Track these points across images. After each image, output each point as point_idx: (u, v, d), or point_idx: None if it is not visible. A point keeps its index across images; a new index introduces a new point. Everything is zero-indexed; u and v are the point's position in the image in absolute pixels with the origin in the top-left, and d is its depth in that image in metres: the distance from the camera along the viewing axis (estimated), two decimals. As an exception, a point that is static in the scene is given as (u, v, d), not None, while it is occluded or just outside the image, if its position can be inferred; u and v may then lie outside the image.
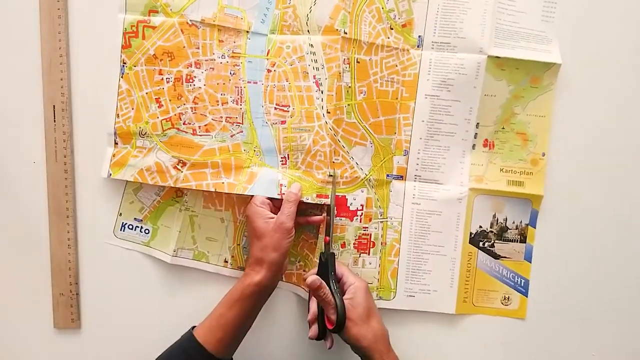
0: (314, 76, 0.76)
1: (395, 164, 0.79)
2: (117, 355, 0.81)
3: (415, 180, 0.79)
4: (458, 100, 0.78)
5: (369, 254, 0.80)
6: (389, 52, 0.77)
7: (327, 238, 0.75)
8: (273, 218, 0.73)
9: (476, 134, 0.79)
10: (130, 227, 0.80)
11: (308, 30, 0.76)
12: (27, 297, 0.80)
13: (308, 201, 0.75)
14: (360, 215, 0.79)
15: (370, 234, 0.80)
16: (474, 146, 0.79)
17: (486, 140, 0.79)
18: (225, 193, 0.78)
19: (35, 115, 0.78)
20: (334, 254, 0.75)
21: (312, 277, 0.71)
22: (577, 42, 0.78)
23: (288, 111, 0.77)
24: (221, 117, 0.77)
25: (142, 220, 0.80)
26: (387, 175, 0.79)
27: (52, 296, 0.80)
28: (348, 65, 0.77)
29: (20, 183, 0.79)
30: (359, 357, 0.71)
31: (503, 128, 0.79)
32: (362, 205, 0.79)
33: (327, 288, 0.71)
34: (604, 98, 0.79)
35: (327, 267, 0.74)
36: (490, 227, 0.80)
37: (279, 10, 0.76)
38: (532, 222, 0.80)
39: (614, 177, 0.80)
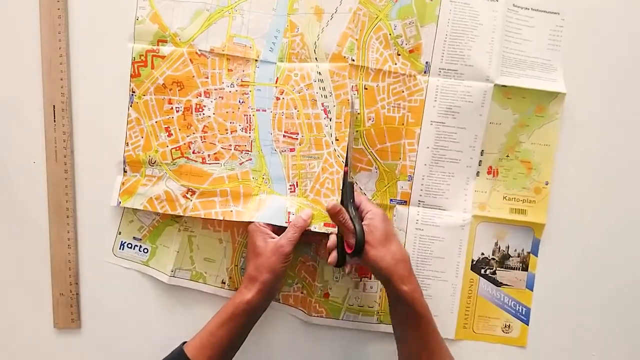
0: (322, 104, 0.76)
1: (399, 189, 0.79)
2: (117, 355, 0.81)
3: (418, 206, 0.79)
4: (463, 127, 0.78)
5: (370, 278, 0.80)
6: (395, 78, 0.77)
7: (346, 168, 0.76)
8: (274, 239, 0.73)
9: (480, 161, 0.79)
10: (130, 246, 0.80)
11: (316, 58, 0.76)
12: (27, 297, 0.80)
13: (315, 230, 0.75)
14: (363, 240, 0.79)
15: (373, 258, 0.80)
16: (478, 173, 0.79)
17: (490, 167, 0.79)
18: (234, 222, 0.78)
19: (35, 115, 0.78)
20: (352, 183, 0.75)
21: (332, 202, 0.72)
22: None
23: (297, 139, 0.77)
24: (230, 146, 0.78)
25: (141, 240, 0.80)
26: (391, 200, 0.79)
27: (52, 296, 0.80)
28: (356, 92, 0.77)
29: (20, 183, 0.79)
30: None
31: (507, 156, 0.79)
32: (364, 229, 0.79)
33: (347, 214, 0.71)
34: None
35: (346, 196, 0.74)
36: (492, 255, 0.80)
37: (287, 38, 0.76)
38: (534, 251, 0.80)
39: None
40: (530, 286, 0.80)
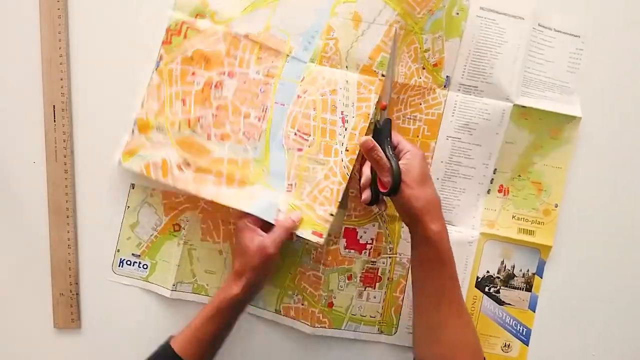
0: (342, 112, 0.75)
1: (410, 201, 0.79)
2: (117, 355, 0.81)
3: (427, 219, 0.79)
4: (479, 144, 0.78)
5: (374, 288, 0.79)
6: (416, 91, 0.76)
7: (384, 103, 0.73)
8: (262, 236, 0.71)
9: (492, 179, 0.79)
10: (129, 262, 0.79)
11: (347, 66, 0.75)
12: (27, 297, 0.79)
13: (301, 235, 0.73)
14: (370, 249, 0.79)
15: (378, 268, 0.79)
16: (489, 191, 0.79)
17: (501, 186, 0.79)
18: (222, 207, 0.75)
19: (35, 115, 0.77)
20: (390, 120, 0.73)
21: (365, 137, 0.71)
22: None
23: (307, 140, 0.76)
24: (239, 130, 0.76)
25: (140, 256, 0.79)
26: (401, 211, 0.79)
27: (52, 296, 0.79)
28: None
29: (20, 183, 0.78)
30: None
31: (519, 176, 0.79)
32: (372, 239, 0.79)
33: (381, 150, 0.70)
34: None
35: (382, 133, 0.72)
36: (497, 273, 0.80)
37: (321, 40, 0.75)
38: (539, 272, 0.80)
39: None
40: (532, 307, 0.81)
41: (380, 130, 0.72)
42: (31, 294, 0.79)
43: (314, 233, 0.73)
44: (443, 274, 0.68)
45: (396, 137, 0.73)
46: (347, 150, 0.75)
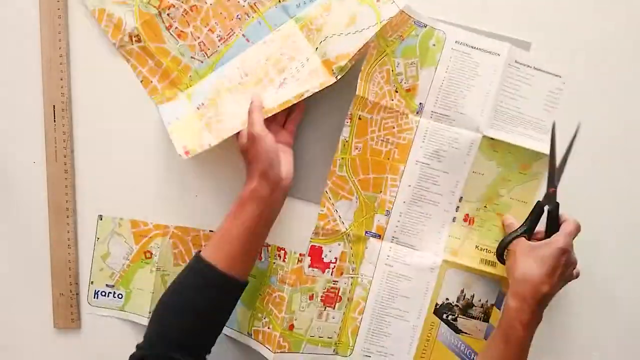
0: (285, 79, 0.75)
1: (376, 222, 0.79)
2: (117, 355, 0.79)
3: (392, 242, 0.80)
4: (447, 172, 0.79)
5: (334, 308, 0.80)
6: (390, 114, 0.77)
7: (553, 189, 0.75)
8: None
9: (458, 207, 0.80)
10: (103, 293, 0.80)
11: (316, 48, 0.75)
12: (27, 297, 0.81)
13: (173, 142, 0.74)
14: (333, 268, 0.79)
15: (339, 288, 0.79)
16: (454, 219, 0.80)
17: (467, 215, 0.80)
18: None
19: (35, 115, 0.79)
20: (544, 209, 0.75)
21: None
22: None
23: (242, 77, 0.77)
24: (198, 38, 0.78)
25: (113, 286, 0.80)
26: (366, 232, 0.79)
27: (52, 296, 0.80)
28: (350, 121, 0.76)
29: (20, 183, 0.80)
30: None
31: (485, 206, 0.80)
32: (336, 259, 0.79)
33: (515, 222, 0.78)
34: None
35: (533, 213, 0.76)
36: (457, 301, 0.81)
37: (316, 10, 0.76)
38: (498, 304, 0.81)
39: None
40: (488, 337, 0.81)
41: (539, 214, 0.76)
42: (31, 294, 0.80)
43: (184, 147, 0.73)
44: (504, 352, 0.70)
45: (565, 225, 0.73)
46: (266, 110, 0.74)
